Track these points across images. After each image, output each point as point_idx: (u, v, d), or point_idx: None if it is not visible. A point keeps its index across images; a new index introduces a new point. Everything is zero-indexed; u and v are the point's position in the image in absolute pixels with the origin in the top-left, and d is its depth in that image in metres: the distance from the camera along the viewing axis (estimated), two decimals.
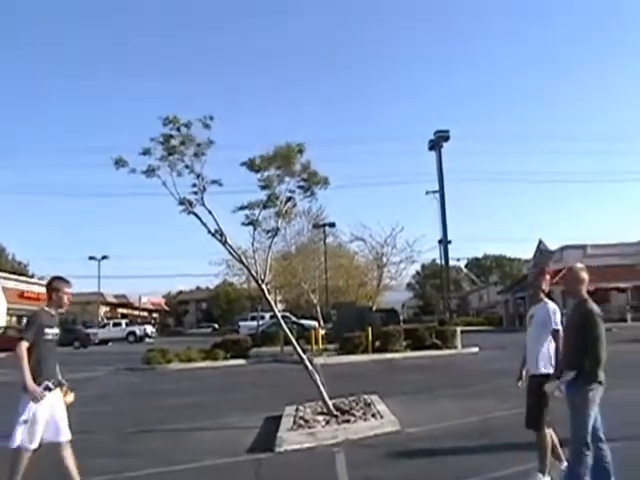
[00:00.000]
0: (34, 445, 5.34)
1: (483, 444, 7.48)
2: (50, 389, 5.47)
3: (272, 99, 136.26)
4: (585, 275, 5.20)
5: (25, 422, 5.30)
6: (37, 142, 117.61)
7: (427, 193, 41.95)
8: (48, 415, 5.44)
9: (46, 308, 5.83)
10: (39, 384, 5.39)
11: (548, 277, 6.03)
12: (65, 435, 5.51)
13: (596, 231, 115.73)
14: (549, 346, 5.59)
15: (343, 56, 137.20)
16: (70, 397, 5.73)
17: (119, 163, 9.97)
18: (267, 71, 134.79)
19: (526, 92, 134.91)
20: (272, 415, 9.80)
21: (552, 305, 5.79)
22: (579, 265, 5.30)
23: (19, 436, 5.28)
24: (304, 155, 10.61)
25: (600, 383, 4.89)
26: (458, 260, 74.34)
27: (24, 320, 56.05)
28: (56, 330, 5.80)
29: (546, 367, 5.52)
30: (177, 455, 7.73)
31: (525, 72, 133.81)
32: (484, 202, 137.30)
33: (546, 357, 5.57)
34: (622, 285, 51.46)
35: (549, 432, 5.61)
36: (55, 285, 5.83)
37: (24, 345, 5.46)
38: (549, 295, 5.93)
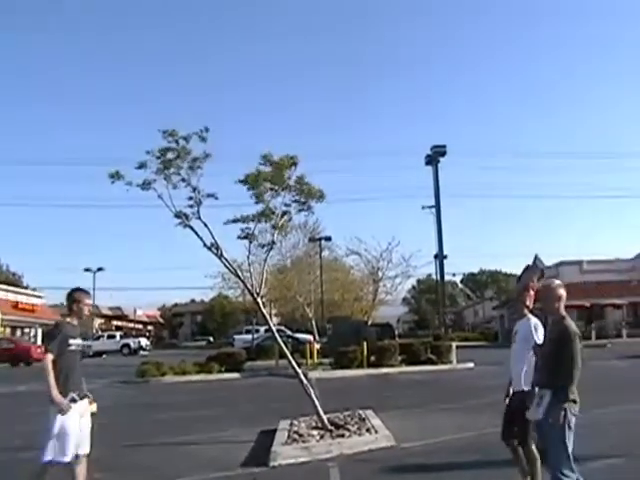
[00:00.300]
0: (69, 458, 5.34)
1: (478, 459, 7.46)
2: (75, 401, 5.47)
3: (271, 113, 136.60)
4: (563, 292, 5.05)
5: (56, 436, 5.29)
6: (33, 153, 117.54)
7: (423, 208, 42.04)
8: (77, 427, 5.44)
9: (68, 319, 5.83)
10: (65, 396, 5.38)
11: (532, 293, 6.00)
12: (84, 448, 5.52)
13: (593, 247, 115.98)
14: (531, 362, 5.57)
15: (342, 71, 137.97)
16: (93, 408, 5.74)
17: (114, 176, 9.97)
18: (266, 85, 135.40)
19: (525, 108, 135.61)
20: (266, 429, 9.77)
21: (534, 320, 5.77)
22: (556, 282, 5.16)
23: (50, 451, 5.27)
24: (298, 168, 10.65)
25: (574, 402, 4.77)
26: (454, 275, 74.07)
27: (18, 331, 56.03)
28: (79, 341, 5.81)
29: (529, 383, 5.51)
30: (171, 469, 7.69)
31: (524, 89, 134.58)
32: (480, 217, 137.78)
33: (529, 373, 5.56)
34: (618, 301, 51.53)
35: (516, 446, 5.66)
36: (76, 296, 5.86)
37: (49, 357, 5.46)
38: (533, 311, 5.90)
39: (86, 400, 5.66)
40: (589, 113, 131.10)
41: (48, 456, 5.27)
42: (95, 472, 7.15)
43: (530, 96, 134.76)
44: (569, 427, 4.71)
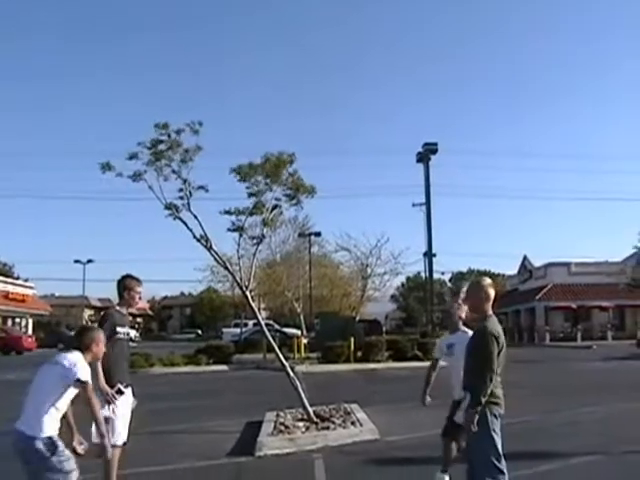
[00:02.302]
0: (121, 441, 5.42)
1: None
2: (122, 392, 5.46)
3: (262, 107, 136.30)
4: (491, 291, 4.88)
5: (107, 420, 5.23)
6: (24, 144, 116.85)
7: (414, 205, 41.95)
8: (123, 414, 5.48)
9: (117, 307, 5.76)
10: (113, 386, 5.37)
11: (465, 306, 6.08)
12: (123, 437, 5.53)
13: (582, 249, 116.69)
14: None
15: (336, 67, 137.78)
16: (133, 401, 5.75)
17: (105, 167, 10.00)
18: (258, 81, 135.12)
19: (518, 107, 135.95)
20: (253, 420, 9.86)
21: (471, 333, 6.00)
22: (486, 280, 4.99)
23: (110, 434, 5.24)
24: (293, 164, 10.74)
25: (496, 404, 4.63)
26: (442, 274, 74.19)
27: (9, 321, 55.86)
28: (127, 329, 5.73)
29: None
30: (159, 457, 7.77)
31: (518, 88, 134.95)
32: (471, 217, 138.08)
33: None
34: (604, 304, 51.89)
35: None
36: (127, 284, 5.75)
37: None
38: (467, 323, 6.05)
39: (129, 389, 5.64)
40: (582, 114, 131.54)
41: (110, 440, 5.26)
42: (83, 458, 7.24)
43: (526, 96, 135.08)
44: (490, 429, 4.55)
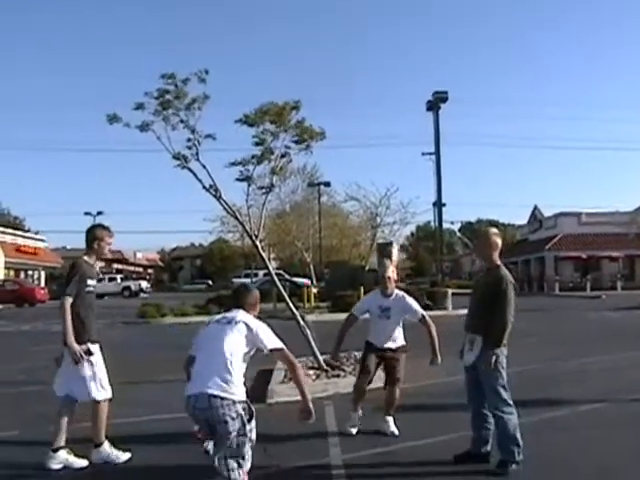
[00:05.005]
0: (109, 394, 5.41)
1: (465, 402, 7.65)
2: (91, 353, 5.31)
3: (271, 57, 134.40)
4: (498, 240, 5.14)
5: (92, 376, 5.26)
6: (32, 97, 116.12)
7: (423, 155, 41.48)
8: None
9: (86, 258, 5.52)
10: (83, 342, 5.24)
11: (395, 269, 6.78)
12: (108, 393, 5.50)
13: (593, 199, 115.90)
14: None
15: (343, 17, 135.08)
16: None
17: (113, 119, 9.93)
18: (263, 33, 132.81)
19: (528, 55, 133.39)
20: (264, 368, 9.96)
21: (407, 296, 6.81)
22: (493, 230, 5.25)
23: (95, 389, 5.27)
24: (300, 113, 10.61)
25: (505, 345, 4.95)
26: (452, 223, 74.21)
27: (22, 274, 56.42)
28: (95, 281, 5.56)
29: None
30: (172, 404, 7.81)
31: (527, 35, 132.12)
32: (481, 166, 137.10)
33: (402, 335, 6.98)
34: (614, 254, 51.77)
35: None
36: (97, 234, 5.53)
37: (69, 301, 5.25)
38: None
39: (97, 346, 5.50)
40: (594, 62, 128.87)
41: (95, 396, 5.28)
42: None
43: (535, 45, 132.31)
44: (502, 367, 4.95)
